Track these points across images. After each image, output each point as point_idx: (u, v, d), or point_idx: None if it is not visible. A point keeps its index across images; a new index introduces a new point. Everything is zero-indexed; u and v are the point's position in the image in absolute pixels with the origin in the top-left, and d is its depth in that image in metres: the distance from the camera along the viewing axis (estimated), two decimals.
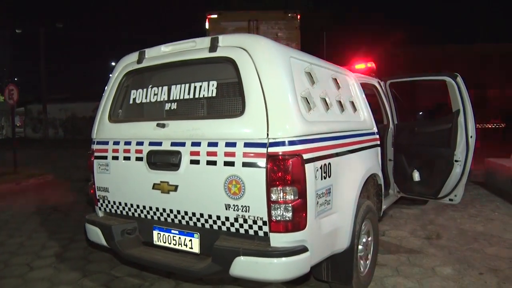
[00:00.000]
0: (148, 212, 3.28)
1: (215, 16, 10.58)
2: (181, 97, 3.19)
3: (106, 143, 3.53)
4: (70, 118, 33.81)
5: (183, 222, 3.09)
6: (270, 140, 2.67)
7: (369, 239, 3.81)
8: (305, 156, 2.73)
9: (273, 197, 2.64)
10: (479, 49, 28.24)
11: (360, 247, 3.55)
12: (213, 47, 3.01)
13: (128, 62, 3.61)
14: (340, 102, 3.63)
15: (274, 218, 2.66)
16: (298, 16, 10.72)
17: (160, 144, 3.16)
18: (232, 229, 2.84)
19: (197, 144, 2.95)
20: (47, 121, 27.52)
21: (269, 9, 11.36)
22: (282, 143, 2.66)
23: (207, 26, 10.56)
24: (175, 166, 3.04)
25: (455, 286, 3.75)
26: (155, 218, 3.25)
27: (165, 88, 3.30)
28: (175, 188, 3.07)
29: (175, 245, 3.15)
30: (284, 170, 2.63)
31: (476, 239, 5.09)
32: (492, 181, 8.44)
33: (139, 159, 3.27)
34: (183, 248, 3.11)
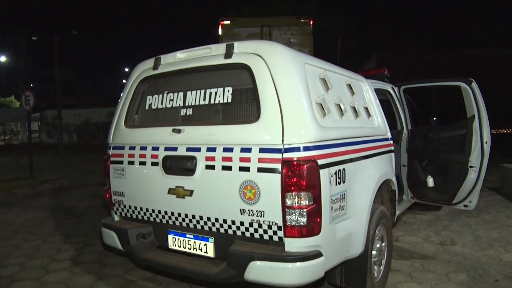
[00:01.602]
0: (163, 217, 3.32)
1: (228, 22, 10.64)
2: (197, 103, 3.23)
3: (122, 148, 3.58)
4: (84, 123, 34.16)
5: (198, 226, 3.12)
6: (285, 146, 2.69)
7: (383, 244, 3.80)
8: (320, 162, 2.74)
9: (288, 202, 2.66)
10: (494, 54, 27.94)
11: (374, 252, 3.54)
12: (229, 53, 3.04)
13: (144, 68, 3.66)
14: (354, 108, 3.64)
15: (289, 223, 2.67)
16: (311, 22, 10.72)
17: (175, 149, 3.20)
18: (247, 234, 2.86)
19: (213, 149, 2.98)
20: (62, 127, 27.84)
21: (281, 15, 11.39)
22: (297, 149, 2.68)
23: (220, 32, 10.62)
24: (190, 171, 3.08)
25: None
26: (170, 222, 3.29)
27: (181, 94, 3.34)
28: (191, 193, 3.10)
29: (190, 249, 3.18)
30: (299, 176, 2.64)
31: (491, 245, 5.03)
32: (508, 187, 8.33)
33: (154, 164, 3.31)
34: (198, 252, 3.14)
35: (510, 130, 24.45)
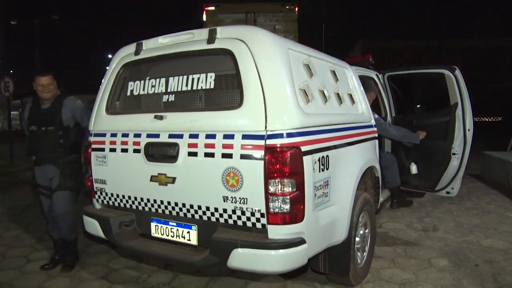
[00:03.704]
0: (145, 204, 3.28)
1: (213, 8, 10.52)
2: (179, 89, 3.17)
3: (104, 135, 3.52)
4: None
5: (181, 214, 3.09)
6: (268, 132, 2.66)
7: (366, 231, 3.83)
8: (303, 148, 2.73)
9: (271, 189, 2.64)
10: (478, 43, 28.26)
11: (357, 239, 3.56)
12: (211, 38, 2.99)
13: (126, 54, 3.58)
14: (338, 94, 3.62)
15: (272, 210, 2.66)
16: (296, 9, 10.67)
17: (158, 136, 3.15)
18: (230, 221, 2.85)
19: (195, 136, 2.94)
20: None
21: (266, 1, 11.31)
22: (280, 135, 2.65)
23: (204, 18, 10.51)
24: (173, 158, 3.04)
25: (451, 277, 3.77)
26: (153, 210, 3.25)
27: (163, 80, 3.28)
28: (173, 180, 3.06)
29: (173, 237, 3.16)
30: (282, 162, 2.62)
31: (472, 231, 5.12)
32: (489, 174, 8.47)
33: (136, 151, 3.26)
34: (181, 240, 3.12)
35: (492, 118, 24.87)
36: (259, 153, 2.67)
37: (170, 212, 3.15)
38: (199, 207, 2.97)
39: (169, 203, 3.13)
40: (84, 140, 3.98)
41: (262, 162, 2.66)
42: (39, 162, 4.13)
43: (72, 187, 4.10)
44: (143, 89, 3.39)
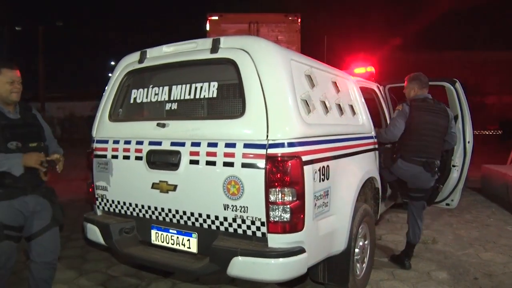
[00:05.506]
0: (146, 212, 3.29)
1: (216, 17, 10.57)
2: (182, 98, 3.21)
3: (106, 141, 3.54)
4: (69, 116, 33.67)
5: (181, 221, 3.10)
6: (270, 142, 2.69)
7: (366, 242, 3.83)
8: (304, 158, 2.75)
9: (272, 198, 2.66)
10: (478, 56, 28.37)
11: (356, 250, 3.56)
12: (215, 48, 3.03)
13: (130, 62, 3.62)
14: (339, 105, 3.65)
15: (272, 219, 2.67)
16: (299, 20, 10.72)
17: (160, 143, 3.18)
18: (230, 230, 2.86)
19: (197, 144, 2.97)
20: (45, 120, 27.40)
21: (269, 11, 11.35)
22: (281, 145, 2.68)
23: (207, 27, 10.56)
24: (174, 166, 3.06)
25: None
26: (154, 217, 3.26)
27: (166, 88, 3.31)
28: (174, 187, 3.08)
29: (173, 244, 3.17)
30: (283, 172, 2.65)
31: (471, 244, 5.11)
32: (489, 187, 8.47)
33: (138, 158, 3.28)
34: (181, 247, 3.12)
35: (492, 131, 24.90)
36: (260, 162, 2.69)
37: (170, 219, 3.16)
38: (200, 215, 2.99)
39: (169, 210, 3.15)
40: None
41: (263, 171, 2.68)
42: (14, 193, 2.89)
43: (62, 218, 3.29)
44: (146, 97, 3.43)
